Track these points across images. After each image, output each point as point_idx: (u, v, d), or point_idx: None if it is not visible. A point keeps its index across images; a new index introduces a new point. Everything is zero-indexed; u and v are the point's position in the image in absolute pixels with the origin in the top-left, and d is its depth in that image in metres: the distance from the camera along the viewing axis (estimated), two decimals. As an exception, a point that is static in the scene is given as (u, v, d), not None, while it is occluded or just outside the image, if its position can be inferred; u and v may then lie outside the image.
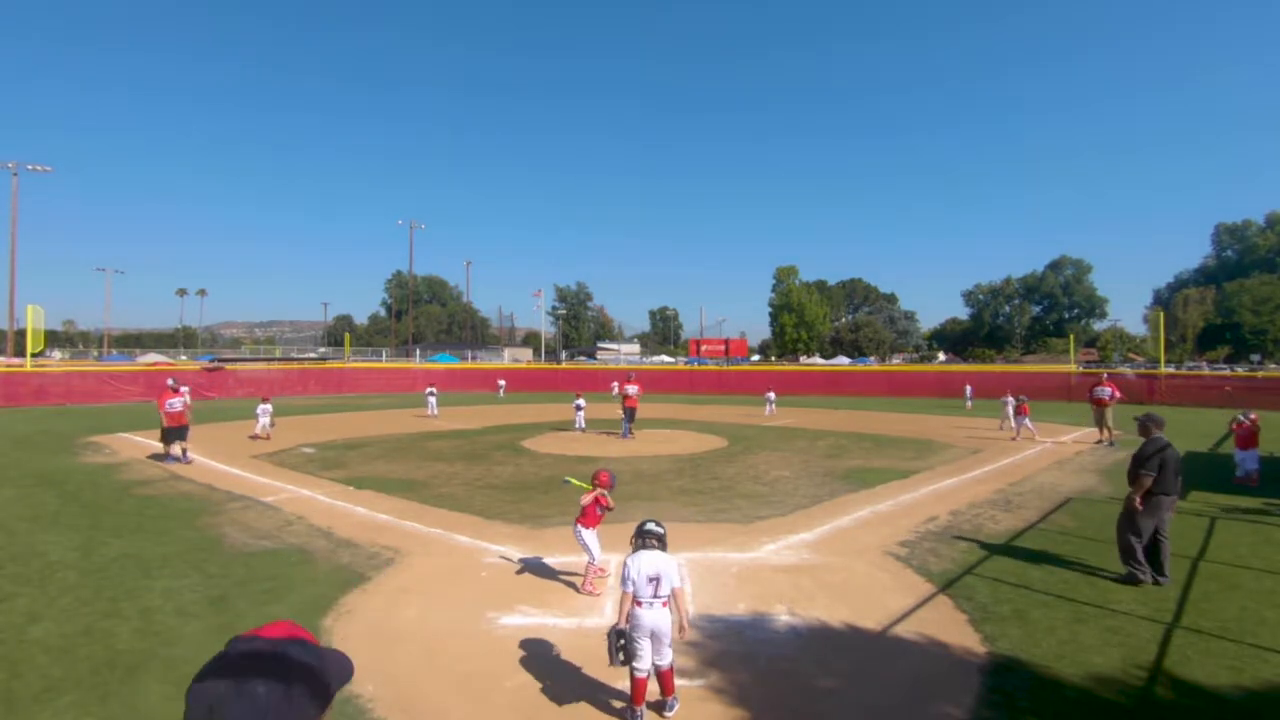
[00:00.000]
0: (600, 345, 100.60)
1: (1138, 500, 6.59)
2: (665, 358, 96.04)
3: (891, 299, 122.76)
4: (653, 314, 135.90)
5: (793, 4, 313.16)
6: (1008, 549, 7.88)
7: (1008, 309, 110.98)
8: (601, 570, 6.69)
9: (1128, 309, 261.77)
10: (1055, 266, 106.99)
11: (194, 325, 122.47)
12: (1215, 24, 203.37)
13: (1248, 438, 12.15)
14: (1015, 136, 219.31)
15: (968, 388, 31.13)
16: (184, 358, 65.60)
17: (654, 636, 4.19)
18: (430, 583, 6.68)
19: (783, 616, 5.84)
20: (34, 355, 32.33)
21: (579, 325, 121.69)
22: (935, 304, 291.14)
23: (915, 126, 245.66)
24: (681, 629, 4.26)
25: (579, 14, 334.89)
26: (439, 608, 6.01)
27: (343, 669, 1.10)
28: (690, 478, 12.60)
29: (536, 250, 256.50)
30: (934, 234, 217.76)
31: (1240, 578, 6.84)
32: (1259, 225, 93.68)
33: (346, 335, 63.35)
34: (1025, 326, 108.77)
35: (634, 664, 4.28)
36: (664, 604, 4.22)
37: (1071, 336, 56.92)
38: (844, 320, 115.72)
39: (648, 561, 4.27)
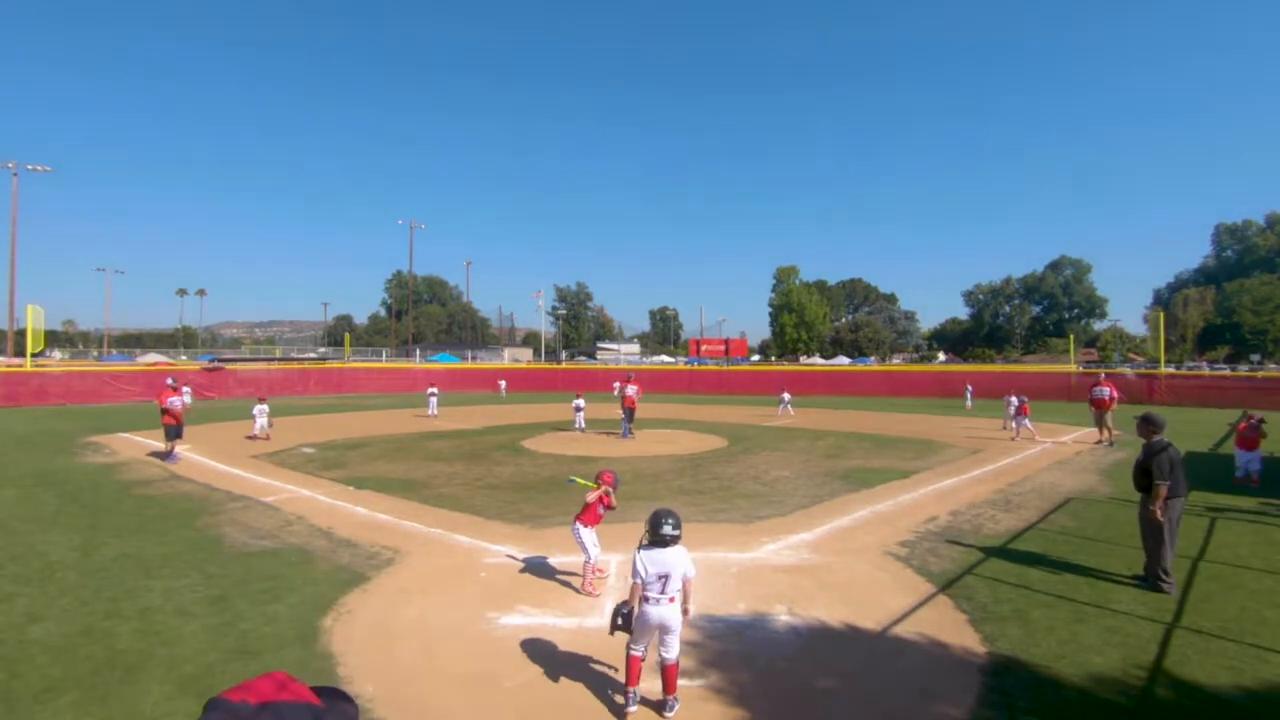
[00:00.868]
0: (600, 345, 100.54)
1: (1158, 511, 6.43)
2: (665, 358, 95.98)
3: (891, 299, 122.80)
4: (653, 314, 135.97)
5: (789, 12, 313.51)
6: (1008, 549, 7.88)
7: (1008, 309, 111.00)
8: (599, 570, 6.68)
9: (1128, 309, 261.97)
10: (1055, 266, 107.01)
11: (194, 325, 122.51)
12: (1215, 24, 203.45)
13: (1250, 439, 12.15)
14: (1015, 136, 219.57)
15: (968, 387, 31.15)
16: (184, 358, 65.59)
17: (661, 630, 4.25)
18: (430, 583, 6.68)
19: (783, 616, 5.84)
20: (34, 355, 32.32)
21: (579, 325, 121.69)
22: (935, 304, 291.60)
23: (915, 126, 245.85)
24: (685, 610, 4.35)
25: (579, 15, 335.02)
26: (439, 608, 6.01)
27: None
28: (690, 478, 12.60)
29: (536, 250, 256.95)
30: (934, 234, 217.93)
31: (1240, 578, 6.84)
32: (1259, 225, 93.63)
33: (346, 335, 63.39)
34: (1025, 326, 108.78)
35: (631, 643, 4.34)
36: (671, 600, 4.25)
37: (1071, 336, 56.93)
38: (844, 320, 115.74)
39: (658, 558, 4.28)
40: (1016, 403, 19.12)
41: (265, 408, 18.35)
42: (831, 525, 8.99)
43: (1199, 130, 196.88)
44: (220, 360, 51.61)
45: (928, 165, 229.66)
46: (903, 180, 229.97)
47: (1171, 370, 41.96)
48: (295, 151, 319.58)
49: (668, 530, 4.33)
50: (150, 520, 9.12)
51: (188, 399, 14.67)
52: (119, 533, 8.44)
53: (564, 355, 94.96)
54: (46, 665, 4.82)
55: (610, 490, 6.55)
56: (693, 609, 5.92)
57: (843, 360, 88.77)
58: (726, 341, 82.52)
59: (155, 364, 47.77)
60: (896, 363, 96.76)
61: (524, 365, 64.00)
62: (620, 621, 4.35)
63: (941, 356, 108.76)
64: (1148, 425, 6.84)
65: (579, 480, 6.88)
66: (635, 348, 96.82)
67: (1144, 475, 6.64)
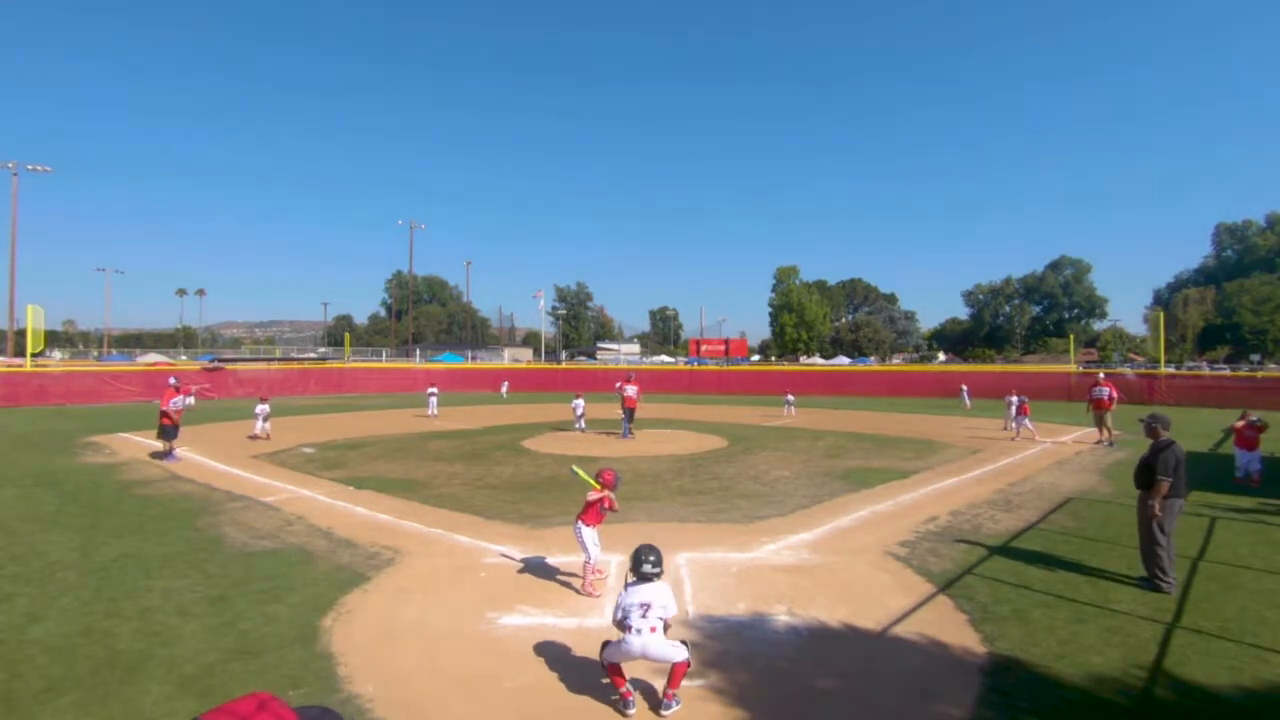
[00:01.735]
0: (600, 345, 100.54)
1: (1157, 507, 6.47)
2: (665, 358, 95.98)
3: (891, 299, 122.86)
4: (653, 314, 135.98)
5: (790, 9, 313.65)
6: (1008, 549, 7.88)
7: (1008, 309, 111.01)
8: (599, 570, 6.68)
9: (1128, 309, 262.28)
10: (1055, 266, 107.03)
11: (194, 325, 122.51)
12: (1216, 25, 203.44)
13: (1250, 439, 12.15)
14: (1015, 136, 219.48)
15: (963, 388, 31.16)
16: (184, 358, 65.59)
17: (646, 659, 4.33)
18: (430, 583, 6.68)
19: (782, 616, 5.84)
20: (34, 355, 32.33)
21: (579, 325, 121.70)
22: (935, 304, 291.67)
23: (916, 126, 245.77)
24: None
25: (578, 13, 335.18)
26: (439, 608, 6.01)
27: None
28: (690, 478, 12.60)
29: (536, 250, 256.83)
30: (934, 234, 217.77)
31: (1240, 578, 6.84)
32: (1259, 225, 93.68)
33: (346, 335, 63.38)
34: (1025, 326, 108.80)
35: (606, 659, 4.46)
36: (652, 629, 4.31)
37: (1071, 336, 56.98)
38: (844, 320, 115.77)
39: (639, 591, 4.44)
40: (1016, 403, 19.13)
41: (266, 408, 18.35)
42: (831, 525, 8.99)
43: (1199, 130, 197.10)
44: (220, 360, 51.62)
45: (928, 165, 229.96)
46: (903, 180, 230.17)
47: (1171, 370, 41.98)
48: (295, 151, 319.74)
49: (647, 569, 4.51)
50: (150, 520, 9.12)
51: (191, 400, 14.64)
52: (119, 533, 8.44)
53: (564, 355, 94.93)
54: (46, 665, 4.82)
55: (612, 494, 6.54)
56: (692, 609, 5.97)
57: (843, 360, 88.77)
58: (726, 341, 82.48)
59: (155, 364, 47.75)
60: (896, 363, 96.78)
61: (524, 365, 64.00)
62: (604, 652, 4.51)
63: (941, 356, 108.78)
64: (1155, 424, 6.88)
65: (579, 471, 6.86)
66: (635, 348, 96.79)
67: (1147, 472, 6.66)
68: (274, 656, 4.98)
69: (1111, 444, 16.77)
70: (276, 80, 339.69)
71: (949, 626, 5.57)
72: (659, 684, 4.46)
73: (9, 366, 33.77)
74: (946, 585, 6.56)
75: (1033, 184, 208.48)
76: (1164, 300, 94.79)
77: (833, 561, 7.41)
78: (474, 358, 71.63)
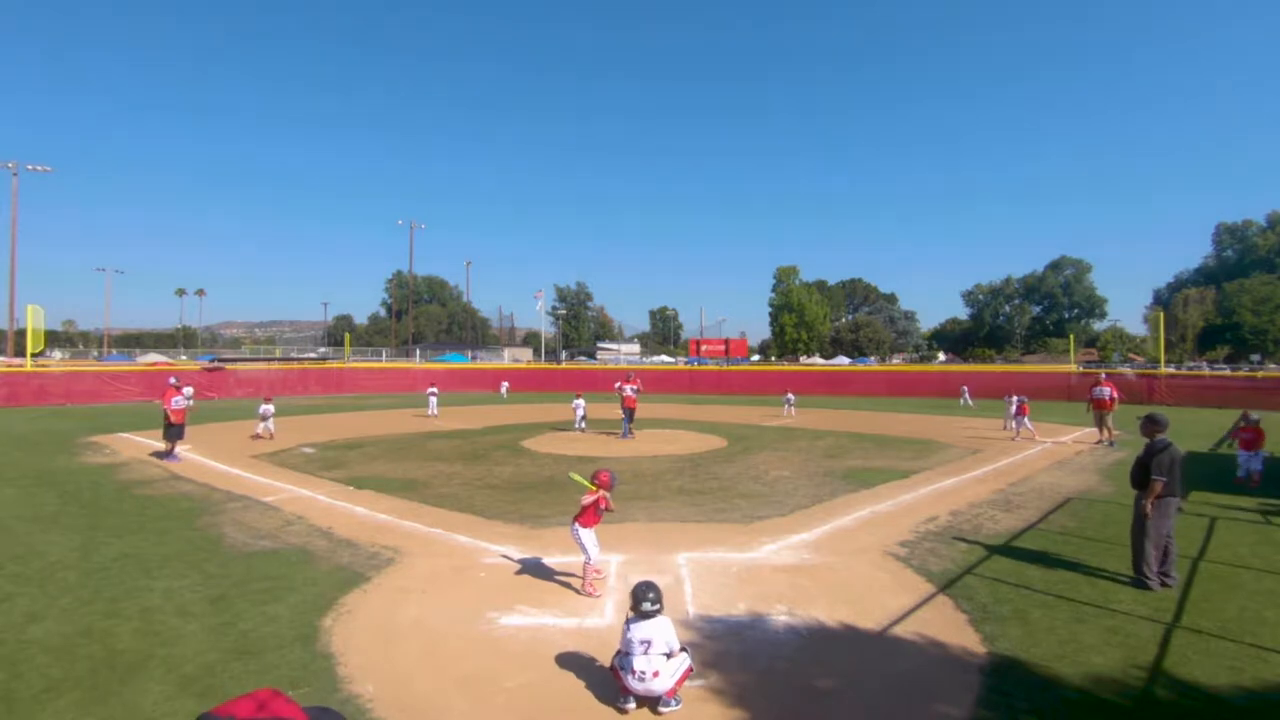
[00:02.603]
0: (600, 345, 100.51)
1: (1149, 506, 6.50)
2: (665, 358, 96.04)
3: (891, 299, 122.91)
4: (653, 314, 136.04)
5: (790, 10, 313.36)
6: (1008, 549, 7.88)
7: (1008, 309, 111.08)
8: (598, 571, 6.68)
9: (1128, 309, 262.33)
10: (1055, 266, 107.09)
11: (194, 325, 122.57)
12: (1215, 25, 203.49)
13: (1251, 440, 12.16)
14: (1015, 137, 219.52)
15: (964, 388, 31.15)
16: (184, 358, 65.60)
17: (650, 695, 4.31)
18: (430, 582, 6.68)
19: (782, 617, 5.84)
20: (34, 355, 32.35)
21: (579, 325, 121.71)
22: (935, 304, 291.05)
23: (916, 127, 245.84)
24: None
25: (578, 16, 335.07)
26: (439, 608, 6.01)
27: None
28: (690, 478, 12.60)
29: (536, 250, 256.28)
30: (934, 234, 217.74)
31: (1240, 578, 6.84)
32: (1259, 225, 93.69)
33: (346, 335, 63.38)
34: (1025, 326, 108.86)
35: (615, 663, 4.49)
36: (655, 674, 4.30)
37: (1071, 336, 57.05)
38: (844, 320, 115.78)
39: (641, 628, 4.45)
40: (1016, 403, 19.13)
41: (270, 408, 18.33)
42: (831, 525, 8.99)
43: (1199, 129, 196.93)
44: (220, 360, 51.65)
45: (928, 165, 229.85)
46: (903, 180, 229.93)
47: (1171, 370, 41.92)
48: (295, 150, 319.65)
49: (647, 606, 4.52)
50: (150, 520, 9.13)
51: (189, 400, 14.67)
52: (119, 533, 8.44)
53: (564, 355, 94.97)
54: (46, 665, 4.82)
55: (607, 494, 6.54)
56: (692, 609, 5.97)
57: (843, 360, 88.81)
58: (726, 341, 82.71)
59: (155, 364, 47.78)
60: (896, 363, 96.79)
61: (524, 365, 64.01)
62: (615, 659, 4.56)
63: (941, 356, 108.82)
64: (1151, 424, 6.88)
65: (576, 477, 6.88)
66: (635, 348, 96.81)
67: (1142, 472, 6.67)
68: (274, 656, 4.98)
69: (1112, 444, 16.77)
70: (276, 80, 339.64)
71: (949, 626, 5.57)
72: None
73: (9, 366, 33.78)
74: (946, 585, 6.56)
75: (1033, 183, 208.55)
76: (1164, 300, 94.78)
77: (833, 561, 7.41)
78: (474, 358, 71.65)
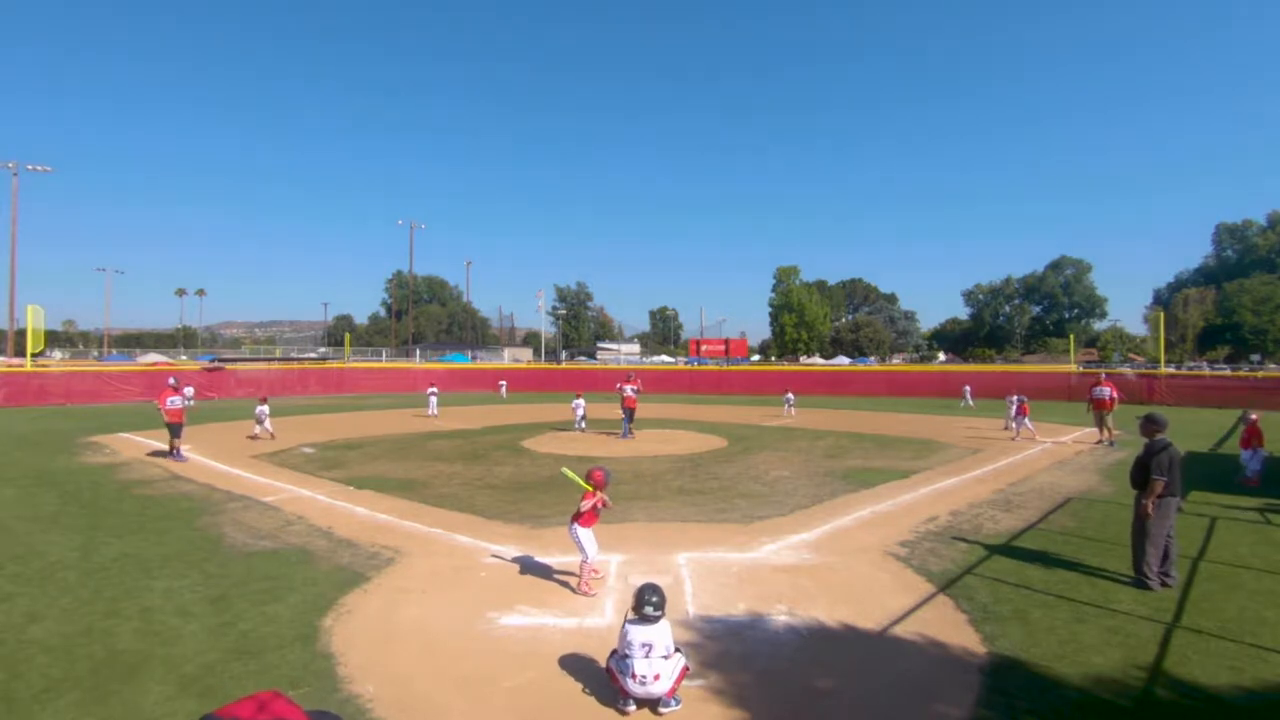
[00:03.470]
0: (600, 345, 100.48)
1: (1149, 506, 6.50)
2: (665, 358, 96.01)
3: (891, 299, 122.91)
4: (653, 314, 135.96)
5: (790, 9, 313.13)
6: (1008, 549, 7.88)
7: (1008, 309, 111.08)
8: (596, 570, 6.68)
9: (1128, 309, 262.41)
10: (1055, 266, 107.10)
11: (194, 325, 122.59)
12: (1215, 25, 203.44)
13: (1250, 437, 12.17)
14: (1015, 137, 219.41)
15: (966, 388, 31.16)
16: (184, 358, 65.61)
17: (649, 697, 4.31)
18: (430, 582, 6.68)
19: (782, 617, 5.84)
20: (34, 355, 32.35)
21: (579, 325, 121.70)
22: (935, 304, 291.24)
23: (916, 127, 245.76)
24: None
25: (578, 16, 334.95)
26: (439, 608, 6.01)
27: None
28: (690, 478, 12.60)
29: (536, 250, 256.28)
30: (934, 234, 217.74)
31: (1240, 578, 6.84)
32: (1259, 225, 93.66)
33: (346, 335, 63.38)
34: (1025, 326, 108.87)
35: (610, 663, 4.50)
36: (655, 676, 4.30)
37: (1071, 336, 57.02)
38: (844, 320, 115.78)
39: (641, 631, 4.44)
40: (1017, 403, 19.13)
41: (266, 409, 18.34)
42: (831, 525, 8.99)
43: (1199, 129, 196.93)
44: (220, 360, 51.66)
45: (928, 164, 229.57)
46: (903, 180, 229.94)
47: (1171, 370, 41.94)
48: (295, 150, 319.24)
49: (649, 610, 4.52)
50: (150, 520, 9.13)
51: (189, 400, 14.69)
52: (119, 533, 8.45)
53: (564, 355, 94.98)
54: (46, 665, 4.82)
55: (603, 493, 6.54)
56: (692, 609, 5.97)
57: (843, 360, 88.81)
58: (726, 341, 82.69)
59: (155, 364, 47.80)
60: (896, 363, 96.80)
61: (524, 365, 64.01)
62: (610, 660, 4.57)
63: (941, 356, 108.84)
64: (1150, 424, 6.88)
65: (569, 473, 6.88)
66: (635, 348, 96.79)
67: (1142, 472, 6.68)
68: (274, 656, 4.98)
69: (1112, 444, 16.76)
70: (276, 81, 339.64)
71: (949, 626, 5.57)
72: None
73: (9, 366, 33.80)
74: (946, 585, 6.56)
75: (1033, 183, 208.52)
76: (1164, 300, 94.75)
77: (833, 561, 7.41)
78: (474, 358, 71.65)
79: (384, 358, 62.54)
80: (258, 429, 17.96)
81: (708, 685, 4.62)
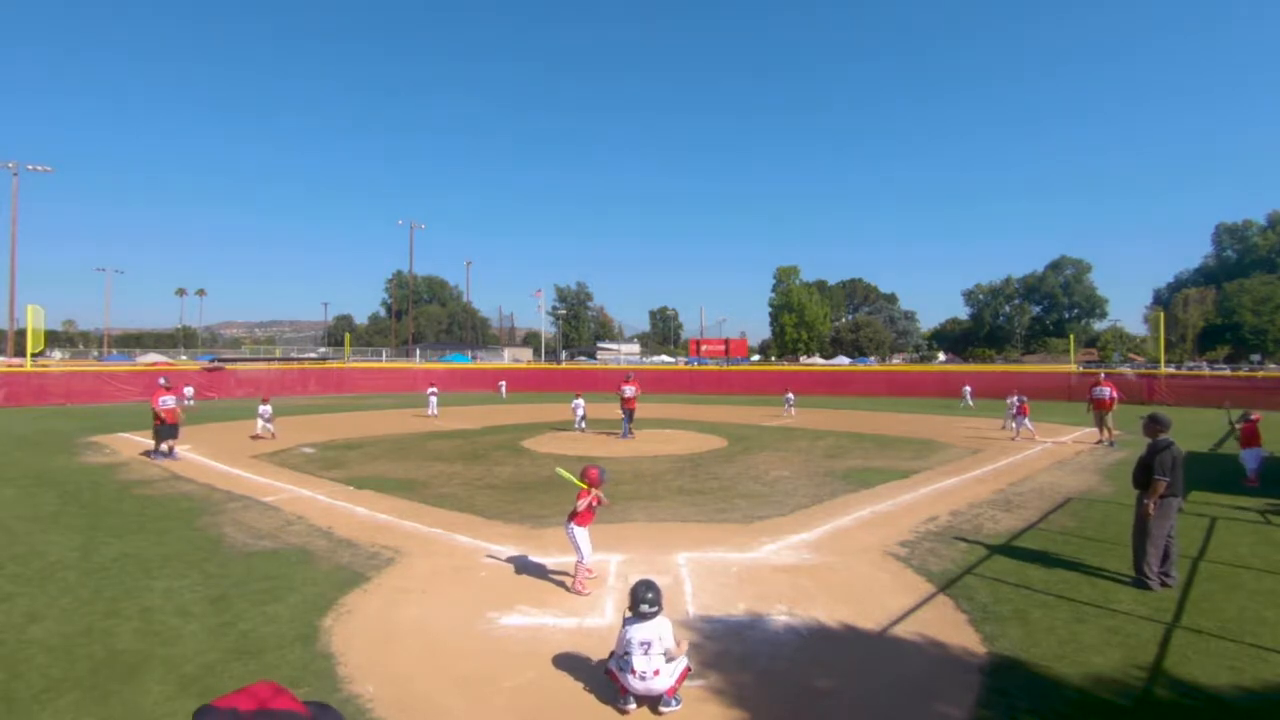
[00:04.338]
0: (600, 345, 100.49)
1: (1151, 506, 6.50)
2: (665, 358, 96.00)
3: (891, 299, 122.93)
4: (653, 314, 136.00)
5: (790, 9, 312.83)
6: (1008, 549, 7.88)
7: (1008, 309, 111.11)
8: (590, 570, 6.67)
9: (1128, 309, 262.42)
10: (1055, 266, 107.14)
11: (194, 325, 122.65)
12: (1215, 26, 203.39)
13: (1249, 437, 12.17)
14: (1016, 137, 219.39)
15: (966, 388, 31.16)
16: (184, 358, 65.61)
17: (650, 694, 4.31)
18: (430, 582, 6.68)
19: (782, 617, 5.83)
20: (34, 355, 32.35)
21: (579, 325, 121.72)
22: (935, 304, 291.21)
23: (916, 127, 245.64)
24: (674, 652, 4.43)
25: (578, 16, 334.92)
26: (439, 607, 6.01)
27: None
28: (690, 478, 12.60)
29: (536, 250, 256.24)
30: (934, 234, 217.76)
31: (1240, 578, 6.84)
32: (1259, 225, 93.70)
33: (346, 335, 63.38)
34: (1025, 326, 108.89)
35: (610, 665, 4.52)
36: (655, 672, 4.31)
37: (1071, 336, 57.03)
38: (844, 320, 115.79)
39: (639, 629, 4.44)
40: (1017, 403, 19.13)
41: (268, 409, 18.35)
42: (831, 525, 8.99)
43: (1199, 129, 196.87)
44: (220, 360, 51.66)
45: (928, 164, 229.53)
46: (903, 180, 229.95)
47: (1171, 370, 41.91)
48: (295, 150, 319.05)
49: (645, 608, 4.52)
50: (150, 520, 9.12)
51: (189, 400, 14.68)
52: (119, 533, 8.44)
53: (564, 355, 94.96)
54: (46, 665, 4.82)
55: (599, 491, 6.54)
56: (692, 609, 5.97)
57: (843, 360, 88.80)
58: (726, 341, 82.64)
59: (155, 364, 47.80)
60: (896, 363, 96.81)
61: (524, 365, 64.01)
62: (610, 660, 4.58)
63: (941, 356, 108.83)
64: (1154, 424, 6.88)
65: (564, 473, 6.88)
66: (635, 348, 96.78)
67: (1144, 472, 6.67)
68: (274, 656, 4.98)
69: (1112, 444, 16.76)
70: (276, 81, 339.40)
71: (949, 626, 5.56)
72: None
73: (9, 366, 33.80)
74: (946, 585, 6.56)
75: (1033, 183, 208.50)
76: (1164, 300, 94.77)
77: (833, 561, 7.41)
78: (474, 358, 71.66)
79: (384, 358, 62.57)
80: (260, 427, 17.98)
81: (708, 685, 4.62)
